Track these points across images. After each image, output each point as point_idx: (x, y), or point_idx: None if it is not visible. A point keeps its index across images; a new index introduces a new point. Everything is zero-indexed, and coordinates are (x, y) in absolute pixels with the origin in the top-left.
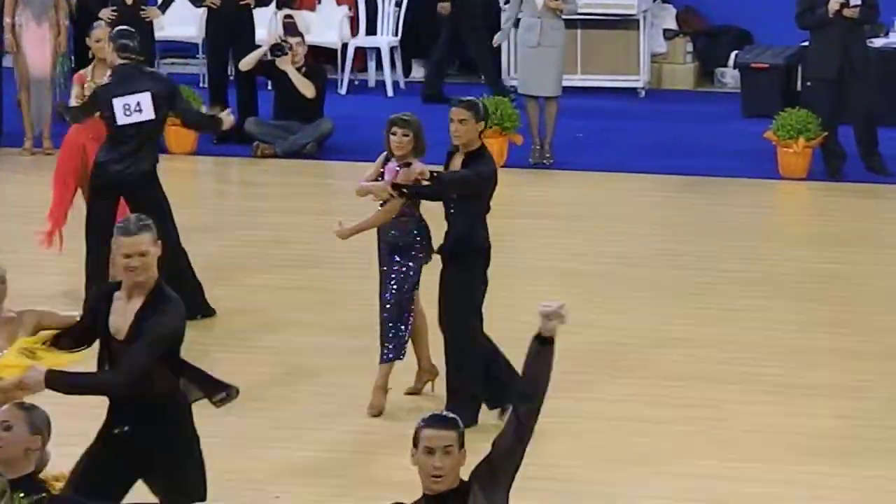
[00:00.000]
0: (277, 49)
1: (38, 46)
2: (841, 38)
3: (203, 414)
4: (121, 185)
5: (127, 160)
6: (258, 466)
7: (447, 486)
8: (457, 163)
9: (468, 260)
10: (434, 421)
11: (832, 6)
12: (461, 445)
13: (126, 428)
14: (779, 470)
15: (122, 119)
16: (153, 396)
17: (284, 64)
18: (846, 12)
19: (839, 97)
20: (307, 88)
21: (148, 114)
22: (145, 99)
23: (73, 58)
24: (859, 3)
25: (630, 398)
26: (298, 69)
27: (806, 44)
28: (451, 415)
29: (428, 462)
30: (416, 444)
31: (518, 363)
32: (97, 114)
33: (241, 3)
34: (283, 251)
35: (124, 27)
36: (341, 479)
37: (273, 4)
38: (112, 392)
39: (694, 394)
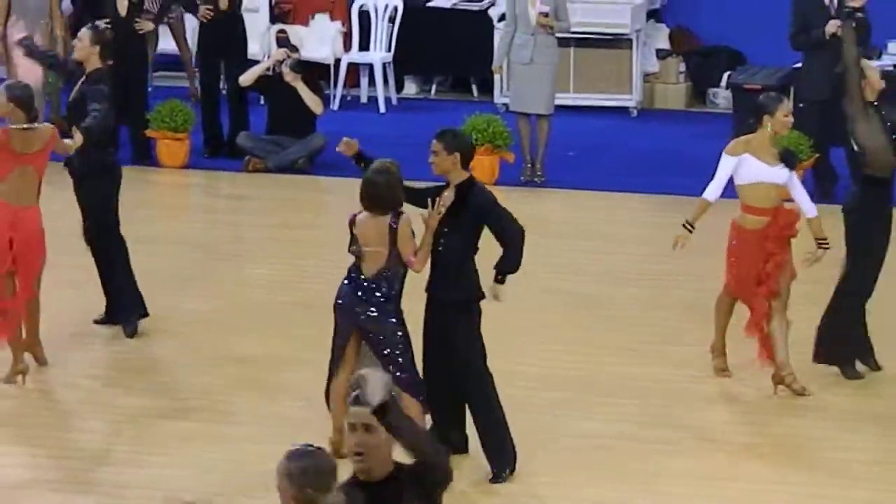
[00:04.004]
0: (297, 65)
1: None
2: (835, 59)
3: None
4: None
5: None
6: None
7: (371, 465)
8: (446, 196)
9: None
10: (358, 397)
11: (829, 28)
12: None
13: None
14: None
15: None
16: None
17: (295, 80)
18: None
19: (832, 119)
20: (315, 104)
21: None
22: None
23: None
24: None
25: (620, 418)
26: (289, 86)
27: (799, 65)
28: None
29: (349, 440)
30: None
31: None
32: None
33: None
34: (271, 265)
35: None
36: None
37: (267, 19)
38: None
39: (679, 412)
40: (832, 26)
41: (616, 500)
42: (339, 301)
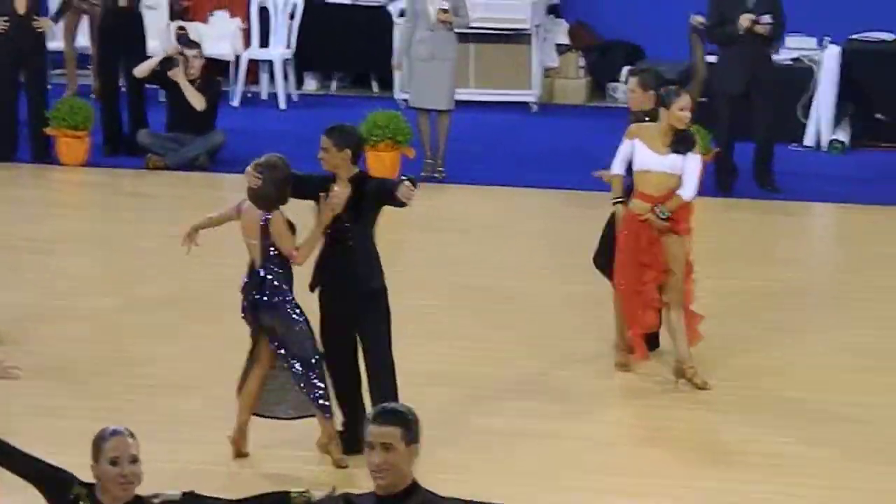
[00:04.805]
0: (168, 60)
1: None
2: (749, 53)
3: None
4: None
5: None
6: None
7: (390, 481)
8: (340, 192)
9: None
10: (377, 415)
11: (743, 22)
12: (409, 442)
13: None
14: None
15: None
16: None
17: (177, 75)
18: (758, 28)
19: (739, 113)
20: (197, 100)
21: None
22: None
23: None
24: (770, 20)
25: (523, 413)
26: (193, 81)
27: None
28: (400, 408)
29: (369, 458)
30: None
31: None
32: None
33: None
34: (171, 261)
35: None
36: None
37: (166, 16)
38: None
39: (583, 408)
40: (745, 20)
41: (522, 495)
42: (242, 294)
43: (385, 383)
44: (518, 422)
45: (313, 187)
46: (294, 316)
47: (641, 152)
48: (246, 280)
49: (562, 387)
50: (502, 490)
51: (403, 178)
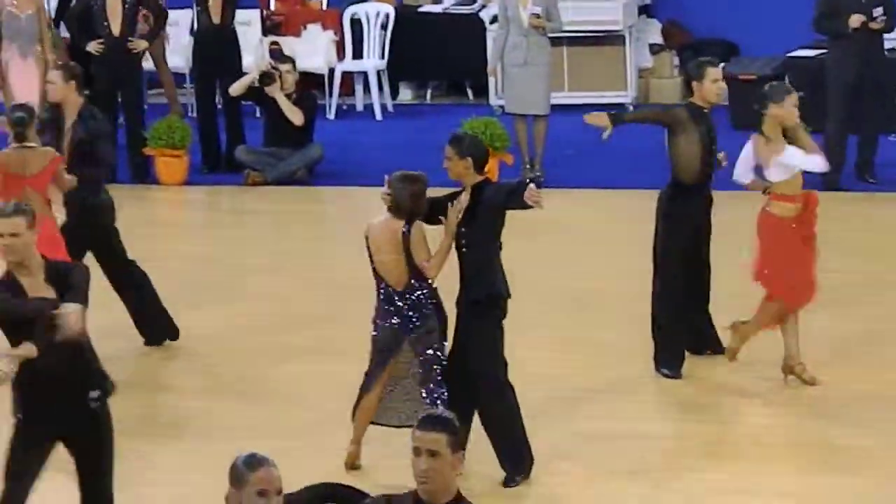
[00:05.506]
0: (266, 76)
1: (24, 81)
2: (862, 46)
3: None
4: None
5: None
6: None
7: (435, 488)
8: (462, 197)
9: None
10: (423, 421)
11: (853, 23)
12: (455, 449)
13: None
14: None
15: None
16: None
17: (274, 91)
18: (872, 25)
19: (853, 107)
20: (295, 115)
21: None
22: None
23: None
24: (883, 14)
25: (636, 415)
26: (289, 96)
27: (795, 54)
28: (446, 415)
29: (415, 464)
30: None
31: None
32: None
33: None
34: (277, 277)
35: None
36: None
37: (259, 32)
38: None
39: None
40: (855, 21)
41: (620, 493)
42: (380, 321)
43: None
44: (624, 424)
45: (443, 203)
46: (433, 322)
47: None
48: (384, 300)
49: (660, 388)
50: (601, 488)
51: (528, 179)
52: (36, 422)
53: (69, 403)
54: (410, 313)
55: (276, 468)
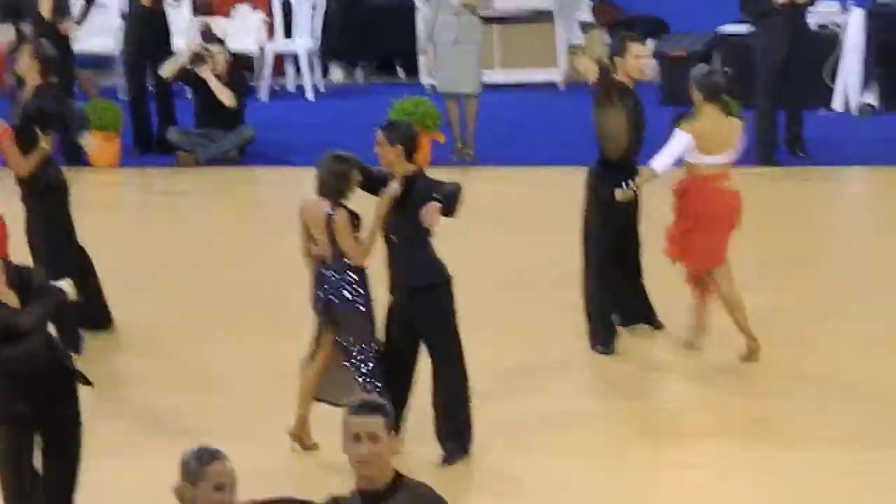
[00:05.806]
0: (197, 58)
1: None
2: (788, 23)
3: None
4: None
5: None
6: None
7: (376, 472)
8: (393, 187)
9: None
10: (359, 408)
11: None
12: (390, 431)
13: None
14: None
15: None
16: None
17: (205, 72)
18: (797, 0)
19: (781, 84)
20: (226, 96)
21: None
22: None
23: None
24: None
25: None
26: (219, 77)
27: (724, 30)
28: (380, 400)
29: (353, 449)
30: (344, 433)
31: None
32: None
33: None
34: (210, 258)
35: None
36: None
37: (188, 12)
38: None
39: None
40: None
41: (577, 472)
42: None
43: (448, 378)
44: (553, 403)
45: (378, 183)
46: (359, 306)
47: None
48: (318, 275)
49: (596, 365)
50: (541, 466)
51: (434, 196)
52: (16, 422)
53: (46, 400)
54: (341, 286)
55: (229, 460)
